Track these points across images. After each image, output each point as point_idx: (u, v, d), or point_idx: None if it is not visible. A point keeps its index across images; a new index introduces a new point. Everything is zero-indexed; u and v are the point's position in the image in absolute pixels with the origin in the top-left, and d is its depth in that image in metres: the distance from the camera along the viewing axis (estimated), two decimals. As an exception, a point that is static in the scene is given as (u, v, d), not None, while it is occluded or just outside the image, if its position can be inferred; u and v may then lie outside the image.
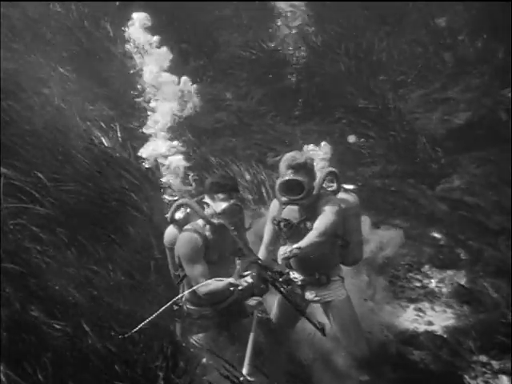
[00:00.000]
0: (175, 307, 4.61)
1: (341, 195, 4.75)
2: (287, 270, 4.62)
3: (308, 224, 4.58)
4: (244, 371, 4.09)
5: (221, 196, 4.31)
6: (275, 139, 9.05)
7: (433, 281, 6.61)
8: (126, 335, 4.32)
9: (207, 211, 4.37)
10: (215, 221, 4.32)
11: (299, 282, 4.80)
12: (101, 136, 7.21)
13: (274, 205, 4.84)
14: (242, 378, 4.03)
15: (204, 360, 4.66)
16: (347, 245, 4.80)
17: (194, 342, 4.65)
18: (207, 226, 4.39)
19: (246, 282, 4.12)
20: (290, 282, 4.33)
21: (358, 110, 9.58)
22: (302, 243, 4.34)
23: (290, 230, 4.66)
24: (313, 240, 4.38)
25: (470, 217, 7.42)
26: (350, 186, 4.78)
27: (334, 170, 4.72)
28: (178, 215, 4.54)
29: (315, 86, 9.94)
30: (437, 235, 7.36)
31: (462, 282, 6.54)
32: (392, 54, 10.24)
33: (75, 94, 8.22)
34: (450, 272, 6.75)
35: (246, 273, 4.20)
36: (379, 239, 6.58)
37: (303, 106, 9.68)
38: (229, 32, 11.38)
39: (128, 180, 6.67)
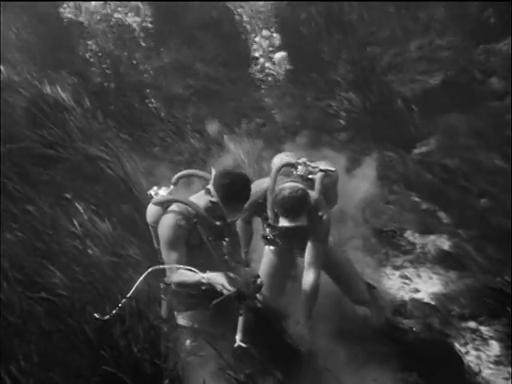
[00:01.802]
0: (162, 285, 4.39)
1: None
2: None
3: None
4: (238, 337, 4.09)
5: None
6: (248, 106, 8.69)
7: (417, 247, 6.46)
8: (106, 317, 4.12)
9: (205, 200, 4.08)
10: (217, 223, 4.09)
11: None
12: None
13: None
14: (236, 345, 4.02)
15: (188, 342, 4.47)
16: None
17: (182, 321, 4.47)
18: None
19: (225, 288, 3.80)
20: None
21: (330, 73, 9.29)
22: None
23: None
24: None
25: (450, 180, 7.27)
26: (331, 168, 4.47)
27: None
28: (161, 193, 4.23)
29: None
30: (417, 199, 7.20)
31: (446, 246, 6.42)
32: (362, 14, 9.92)
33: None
34: (432, 237, 6.63)
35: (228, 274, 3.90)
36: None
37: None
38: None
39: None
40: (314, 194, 4.35)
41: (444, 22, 9.44)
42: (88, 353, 4.38)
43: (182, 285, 4.11)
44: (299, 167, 4.43)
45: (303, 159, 4.52)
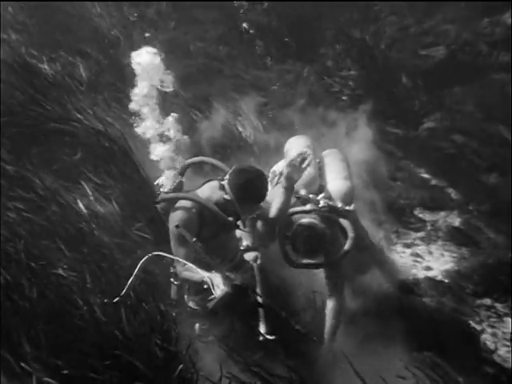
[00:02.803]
0: (172, 269, 4.32)
1: None
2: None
3: None
4: (262, 330, 4.01)
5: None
6: (249, 84, 8.51)
7: (427, 224, 6.36)
8: (114, 300, 4.11)
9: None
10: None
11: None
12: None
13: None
14: (261, 338, 3.96)
15: (197, 326, 4.44)
16: None
17: (192, 304, 4.39)
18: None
19: (221, 289, 3.71)
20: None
21: (332, 50, 9.11)
22: None
23: None
24: None
25: (459, 155, 7.14)
26: (350, 208, 4.34)
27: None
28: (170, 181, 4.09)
29: (286, 25, 9.38)
30: (426, 176, 7.08)
31: (457, 223, 6.32)
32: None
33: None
34: (442, 213, 6.51)
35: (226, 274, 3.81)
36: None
37: (278, 46, 9.14)
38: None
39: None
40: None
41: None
42: (97, 336, 4.29)
43: (186, 280, 4.06)
44: (320, 202, 4.29)
45: (321, 196, 4.36)
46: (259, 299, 4.18)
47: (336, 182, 4.45)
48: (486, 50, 8.48)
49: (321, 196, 4.34)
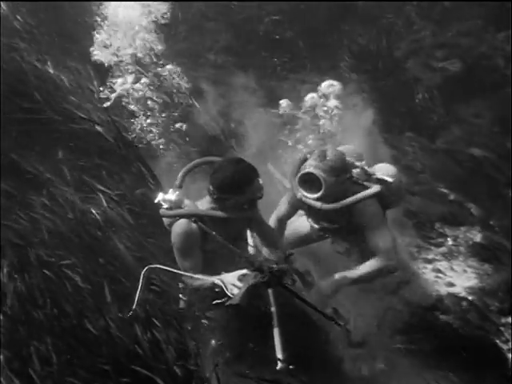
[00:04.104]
0: (181, 284, 4.17)
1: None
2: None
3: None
4: (279, 356, 3.65)
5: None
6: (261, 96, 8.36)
7: (448, 239, 6.20)
8: (127, 314, 3.96)
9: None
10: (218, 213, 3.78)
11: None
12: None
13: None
14: (279, 367, 3.60)
15: (213, 342, 4.24)
16: None
17: (206, 320, 4.23)
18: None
19: (236, 286, 3.49)
20: (296, 275, 3.76)
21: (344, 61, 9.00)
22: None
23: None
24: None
25: (477, 169, 7.00)
26: (389, 179, 4.13)
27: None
28: (169, 198, 3.87)
29: (299, 35, 9.27)
30: (445, 190, 6.92)
31: (478, 238, 6.16)
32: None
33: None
34: (463, 229, 6.36)
35: (240, 272, 3.56)
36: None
37: (290, 57, 9.01)
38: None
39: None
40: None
41: (463, 7, 9.11)
42: (113, 352, 4.15)
43: (198, 289, 3.86)
44: (355, 170, 4.12)
45: (363, 163, 4.21)
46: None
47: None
48: (502, 63, 8.37)
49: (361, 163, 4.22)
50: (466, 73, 8.48)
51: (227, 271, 3.63)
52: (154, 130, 6.26)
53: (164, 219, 3.99)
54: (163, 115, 6.53)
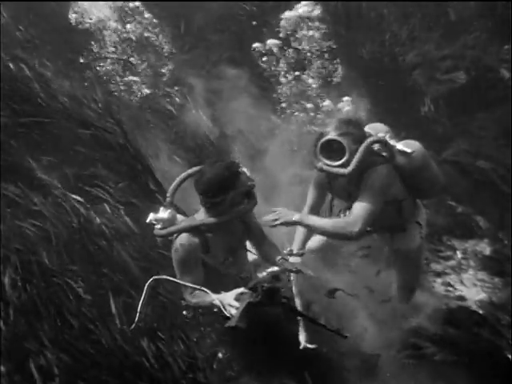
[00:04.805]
0: (183, 302, 3.97)
1: (397, 159, 4.03)
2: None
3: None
4: (302, 338, 3.78)
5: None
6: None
7: (457, 252, 6.12)
8: (131, 327, 3.83)
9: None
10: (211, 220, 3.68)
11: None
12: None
13: None
14: (301, 346, 3.72)
15: (220, 354, 4.23)
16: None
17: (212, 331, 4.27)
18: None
19: (233, 306, 3.39)
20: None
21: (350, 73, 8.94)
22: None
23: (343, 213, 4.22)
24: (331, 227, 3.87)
25: (485, 182, 6.93)
26: (408, 149, 4.02)
27: (381, 138, 3.99)
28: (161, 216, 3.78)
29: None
30: (452, 203, 6.84)
31: (487, 252, 6.07)
32: (382, 13, 9.57)
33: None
34: (472, 242, 6.27)
35: (237, 291, 3.47)
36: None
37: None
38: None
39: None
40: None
41: (467, 20, 9.10)
42: (119, 364, 4.07)
43: (197, 307, 3.84)
44: (376, 145, 4.01)
45: (387, 136, 4.08)
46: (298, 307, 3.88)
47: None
48: (507, 75, 8.34)
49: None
50: (471, 85, 8.42)
51: (228, 288, 3.56)
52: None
53: (158, 239, 3.91)
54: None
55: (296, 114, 8.05)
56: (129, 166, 5.40)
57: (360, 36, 9.40)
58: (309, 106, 8.05)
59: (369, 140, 3.86)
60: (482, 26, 8.93)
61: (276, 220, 3.85)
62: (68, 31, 8.43)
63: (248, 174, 3.69)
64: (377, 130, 4.15)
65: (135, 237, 4.85)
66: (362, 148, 3.80)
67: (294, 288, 4.08)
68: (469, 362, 4.81)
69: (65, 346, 4.07)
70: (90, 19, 8.18)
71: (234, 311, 3.33)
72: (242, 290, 3.43)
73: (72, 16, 8.26)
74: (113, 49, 8.43)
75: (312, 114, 7.93)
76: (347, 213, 4.10)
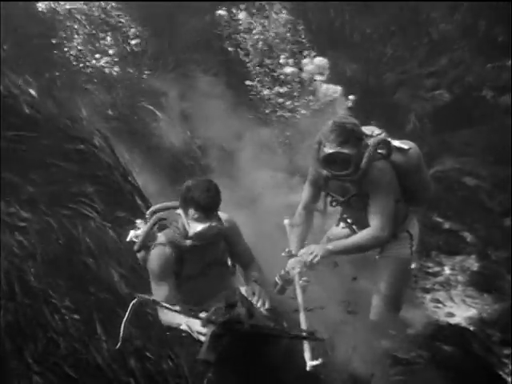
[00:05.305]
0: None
1: (394, 157, 4.06)
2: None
3: (357, 199, 4.10)
4: (306, 356, 3.49)
5: (196, 215, 3.53)
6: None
7: (445, 268, 6.11)
8: (117, 346, 3.60)
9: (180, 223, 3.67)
10: (186, 242, 3.64)
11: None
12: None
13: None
14: (308, 368, 3.41)
15: (210, 375, 3.98)
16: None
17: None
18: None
19: (202, 334, 3.25)
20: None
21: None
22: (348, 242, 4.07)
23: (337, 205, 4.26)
24: (366, 239, 4.01)
25: (471, 198, 6.96)
26: (405, 146, 4.05)
27: (386, 138, 4.04)
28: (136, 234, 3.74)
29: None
30: (439, 219, 6.85)
31: (475, 268, 6.08)
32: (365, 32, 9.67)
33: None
34: (459, 258, 6.27)
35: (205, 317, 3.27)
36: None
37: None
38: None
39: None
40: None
41: (450, 39, 9.22)
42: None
43: (166, 324, 3.68)
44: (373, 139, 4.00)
45: (383, 134, 4.12)
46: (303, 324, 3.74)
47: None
48: (491, 94, 8.44)
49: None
50: (456, 103, 8.51)
51: (206, 301, 3.59)
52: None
53: (139, 255, 3.84)
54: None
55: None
56: (116, 182, 5.33)
57: (344, 55, 9.44)
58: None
59: (374, 142, 3.93)
60: (464, 44, 9.03)
61: (315, 257, 3.93)
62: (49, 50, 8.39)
63: None
64: (371, 128, 4.20)
65: (122, 253, 4.76)
66: (368, 153, 3.86)
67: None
68: (460, 379, 4.77)
69: (51, 366, 3.95)
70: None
71: (202, 338, 3.20)
72: (206, 315, 3.24)
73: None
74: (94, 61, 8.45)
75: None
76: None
